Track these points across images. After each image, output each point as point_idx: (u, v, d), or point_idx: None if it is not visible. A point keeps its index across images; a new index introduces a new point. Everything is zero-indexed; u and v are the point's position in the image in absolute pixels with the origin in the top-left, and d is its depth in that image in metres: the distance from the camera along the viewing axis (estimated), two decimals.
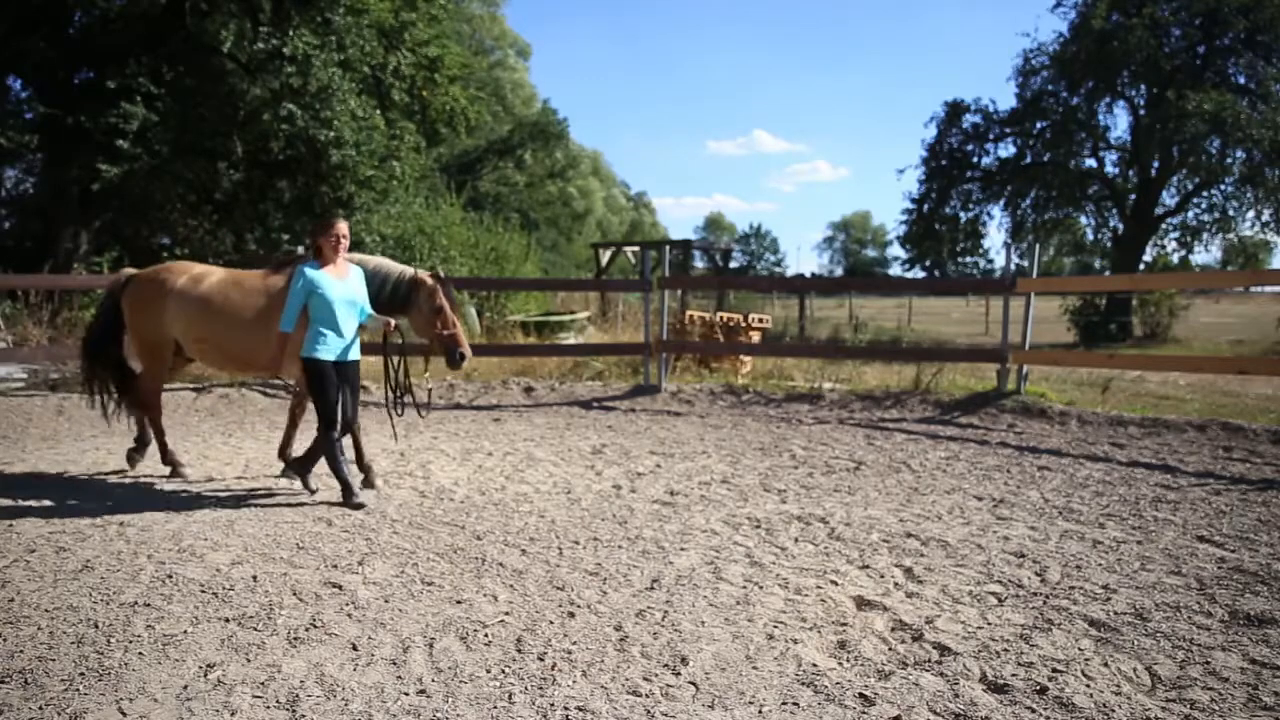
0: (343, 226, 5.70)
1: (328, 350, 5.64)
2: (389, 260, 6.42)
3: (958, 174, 30.50)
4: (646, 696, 3.20)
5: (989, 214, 30.88)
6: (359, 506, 5.66)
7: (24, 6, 17.46)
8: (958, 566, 4.64)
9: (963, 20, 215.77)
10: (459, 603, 4.06)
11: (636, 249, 25.45)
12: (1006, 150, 30.15)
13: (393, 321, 5.89)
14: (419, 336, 6.40)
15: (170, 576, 4.35)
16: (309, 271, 5.60)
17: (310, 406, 5.98)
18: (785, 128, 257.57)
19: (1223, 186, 27.03)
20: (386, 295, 6.15)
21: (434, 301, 6.04)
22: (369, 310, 5.84)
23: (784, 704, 3.15)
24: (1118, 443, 8.14)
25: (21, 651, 3.50)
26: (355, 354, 5.79)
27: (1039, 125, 28.84)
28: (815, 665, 3.45)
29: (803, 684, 3.30)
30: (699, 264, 32.95)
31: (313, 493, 5.94)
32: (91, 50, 18.81)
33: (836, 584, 4.37)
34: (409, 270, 6.26)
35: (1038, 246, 11.42)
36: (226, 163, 18.43)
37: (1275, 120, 24.37)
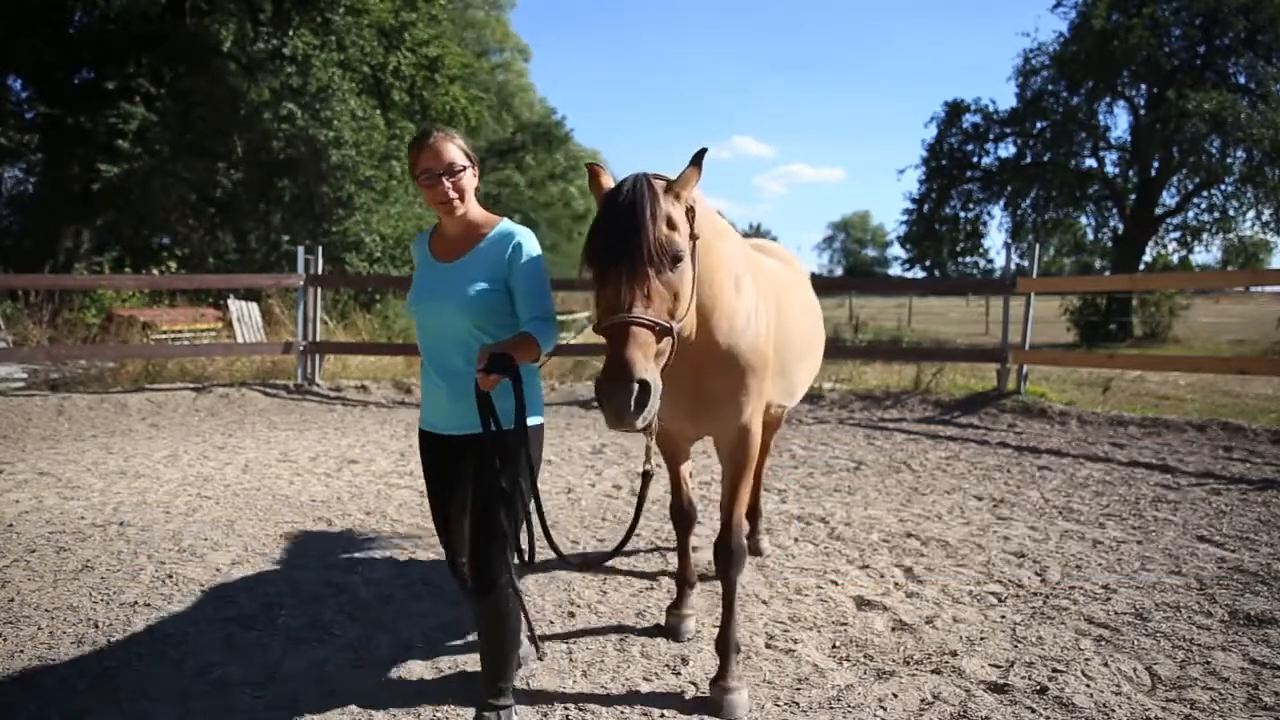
0: (445, 147, 2.81)
1: (426, 408, 2.95)
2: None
3: (958, 174, 30.48)
4: (647, 696, 3.20)
5: (989, 214, 30.88)
6: None
7: (24, 6, 17.49)
8: (958, 566, 4.64)
9: (963, 20, 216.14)
10: (458, 603, 4.06)
11: None
12: (1006, 150, 30.17)
13: (533, 352, 2.66)
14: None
15: (170, 576, 4.35)
16: (417, 244, 3.06)
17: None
18: (766, 132, 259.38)
19: (1223, 186, 27.00)
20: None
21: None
22: (534, 321, 2.73)
23: (784, 704, 3.14)
24: (1118, 443, 8.14)
25: (21, 651, 3.50)
26: (502, 418, 2.66)
27: (1039, 125, 28.83)
28: (815, 665, 3.45)
29: (803, 684, 3.30)
30: None
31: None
32: (91, 50, 18.84)
33: (836, 584, 4.37)
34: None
35: (1038, 246, 11.40)
36: (227, 163, 18.47)
37: (1275, 120, 24.33)
